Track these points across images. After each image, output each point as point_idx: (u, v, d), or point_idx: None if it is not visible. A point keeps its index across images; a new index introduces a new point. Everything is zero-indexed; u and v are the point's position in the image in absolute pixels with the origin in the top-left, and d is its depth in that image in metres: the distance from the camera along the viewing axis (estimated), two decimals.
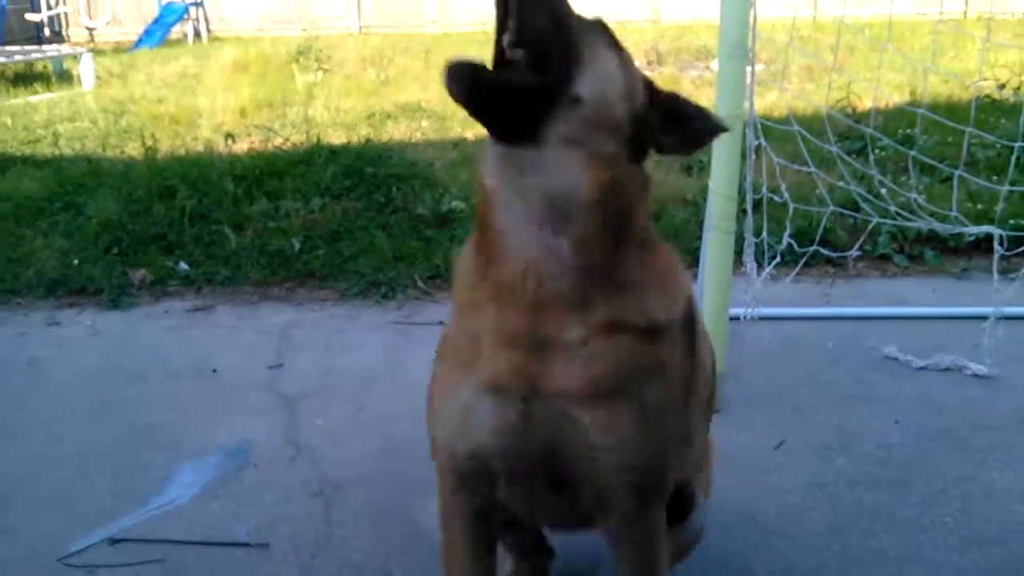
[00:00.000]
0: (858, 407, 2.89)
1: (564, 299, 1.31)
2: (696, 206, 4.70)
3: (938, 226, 3.35)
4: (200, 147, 6.43)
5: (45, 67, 11.51)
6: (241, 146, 6.40)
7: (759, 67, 6.55)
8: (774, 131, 3.34)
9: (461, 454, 1.46)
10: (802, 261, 3.51)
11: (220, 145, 6.43)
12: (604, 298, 1.33)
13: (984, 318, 3.07)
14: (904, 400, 2.93)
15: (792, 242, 3.20)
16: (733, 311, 2.95)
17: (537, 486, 1.45)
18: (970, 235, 3.43)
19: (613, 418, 1.36)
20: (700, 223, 3.97)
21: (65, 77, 10.98)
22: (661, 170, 5.73)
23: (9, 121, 7.77)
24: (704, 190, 3.30)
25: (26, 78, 10.84)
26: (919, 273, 4.05)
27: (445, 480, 1.56)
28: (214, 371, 3.24)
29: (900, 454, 2.61)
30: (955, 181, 3.26)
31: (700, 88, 9.06)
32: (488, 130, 1.38)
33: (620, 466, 1.39)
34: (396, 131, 7.22)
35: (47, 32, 17.85)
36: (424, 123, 7.56)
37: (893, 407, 2.88)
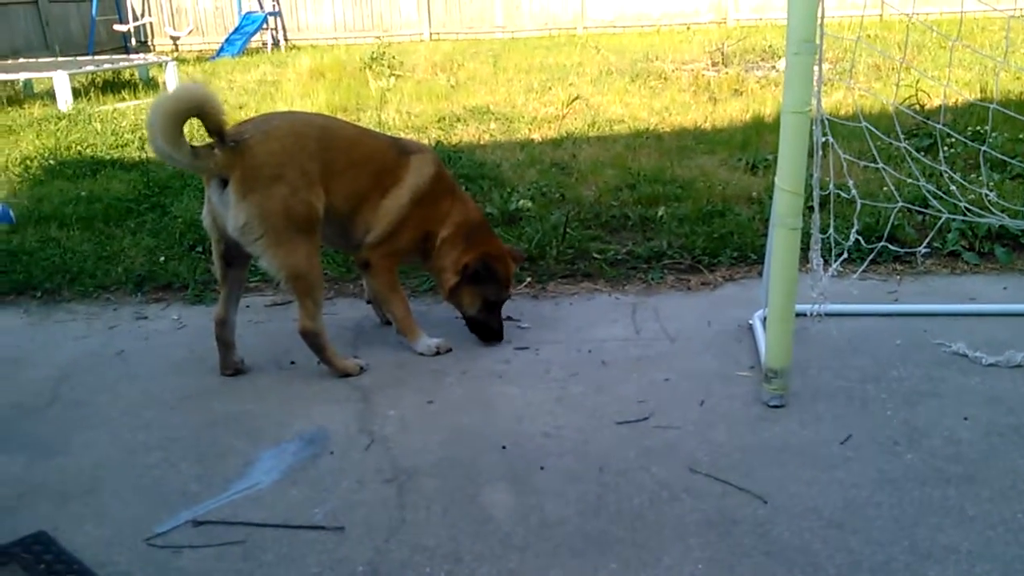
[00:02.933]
0: (926, 403, 2.87)
1: None
2: (761, 204, 4.69)
3: (1009, 222, 3.30)
4: None
5: (132, 75, 11.96)
6: None
7: (826, 66, 6.48)
8: (841, 128, 3.33)
9: None
10: (869, 258, 3.49)
11: None
12: None
13: None
14: (973, 396, 2.89)
15: (860, 238, 3.19)
16: (800, 307, 2.95)
17: None
18: None
19: None
20: (765, 221, 3.98)
21: (151, 84, 11.42)
22: (726, 169, 5.73)
23: (99, 126, 8.13)
24: (769, 188, 3.32)
25: (114, 85, 11.30)
26: (989, 270, 3.97)
27: None
28: (292, 363, 3.38)
29: (969, 450, 2.59)
30: None
31: (765, 88, 8.99)
32: None
33: None
34: (465, 133, 7.35)
35: (133, 42, 18.56)
36: (492, 125, 7.67)
37: (962, 403, 2.85)
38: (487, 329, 3.50)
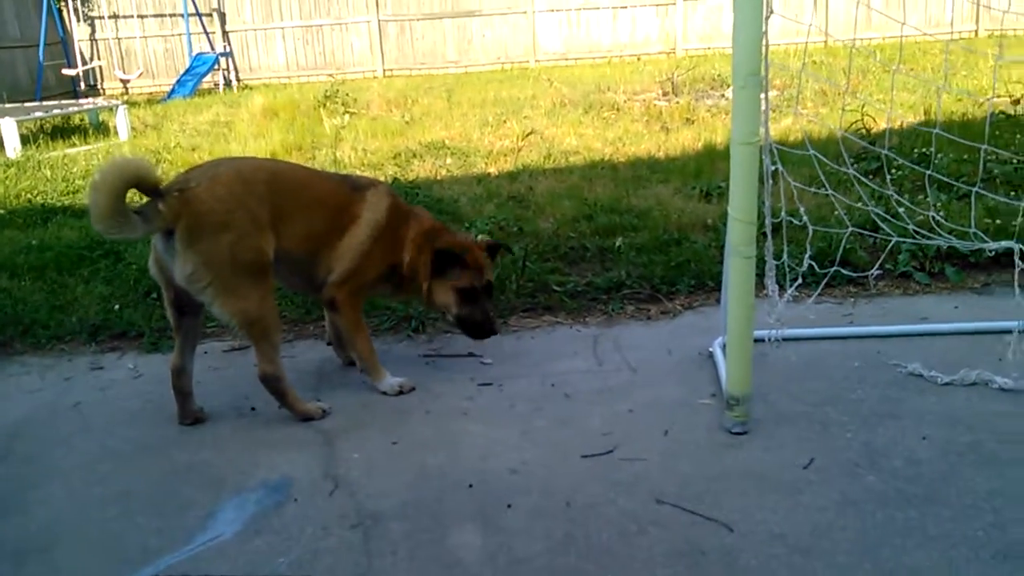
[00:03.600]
0: (885, 424, 2.91)
1: None
2: (716, 231, 4.76)
3: (957, 243, 3.38)
4: None
5: (82, 120, 11.84)
6: None
7: (773, 93, 6.62)
8: (791, 155, 3.40)
9: None
10: (823, 282, 3.55)
11: None
12: None
13: (1007, 332, 3.09)
14: (931, 416, 2.95)
15: (813, 263, 3.25)
16: (758, 333, 2.99)
17: None
18: (990, 250, 3.46)
19: None
20: (721, 248, 4.03)
21: (102, 129, 11.29)
22: (681, 197, 5.81)
23: (49, 173, 8.03)
24: (723, 215, 3.37)
25: (64, 131, 11.17)
26: (941, 290, 4.06)
27: None
28: (253, 409, 3.33)
29: (929, 470, 2.63)
30: (973, 198, 3.30)
31: (716, 116, 9.15)
32: None
33: None
34: (422, 169, 7.37)
35: (83, 86, 18.36)
36: (448, 160, 7.70)
37: (920, 423, 2.90)
38: (472, 324, 3.47)
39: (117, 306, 4.36)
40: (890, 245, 3.53)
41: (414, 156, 7.93)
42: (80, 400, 3.51)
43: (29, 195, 7.01)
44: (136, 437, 3.17)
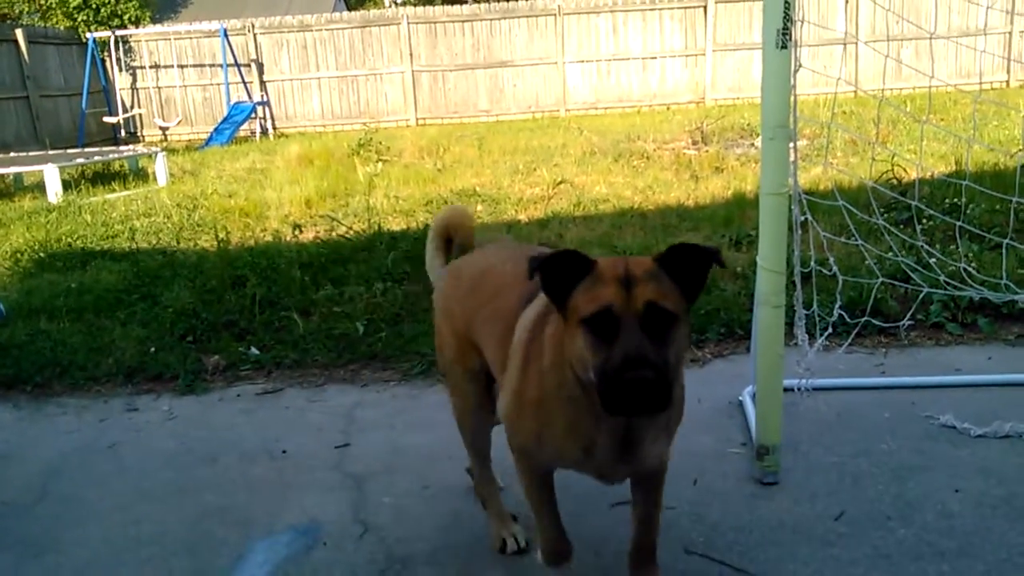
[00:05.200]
0: (917, 477, 2.88)
1: None
2: (746, 279, 4.76)
3: (990, 294, 3.36)
4: (268, 237, 6.74)
5: (122, 166, 12.12)
6: (307, 235, 6.69)
7: (802, 143, 6.65)
8: (820, 205, 3.42)
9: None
10: (854, 332, 3.54)
11: (287, 235, 6.73)
12: None
13: None
14: (964, 469, 2.91)
15: (843, 313, 3.24)
16: (788, 382, 2.99)
17: None
18: (1022, 301, 3.43)
19: None
20: (750, 296, 4.04)
21: (141, 175, 11.56)
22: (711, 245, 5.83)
23: (89, 218, 8.22)
24: (753, 264, 3.38)
25: (104, 177, 11.45)
26: (973, 341, 4.02)
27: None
28: (284, 452, 3.37)
29: (962, 523, 2.60)
30: (1005, 249, 3.29)
31: (745, 165, 9.19)
32: None
33: None
34: None
35: (123, 133, 18.84)
36: (479, 207, 7.79)
37: (953, 476, 2.87)
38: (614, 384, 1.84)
39: (153, 348, 4.44)
40: (921, 296, 3.52)
41: (445, 203, 8.02)
42: (115, 441, 3.57)
43: (69, 239, 7.18)
44: (170, 479, 3.21)
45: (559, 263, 1.94)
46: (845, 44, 17.71)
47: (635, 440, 2.04)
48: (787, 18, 2.65)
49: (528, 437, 2.17)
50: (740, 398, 3.51)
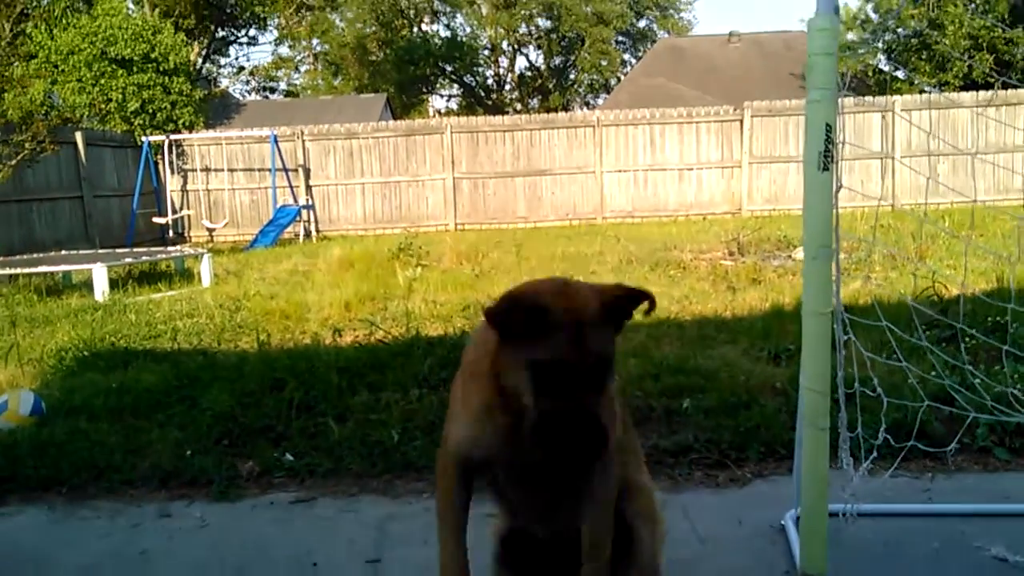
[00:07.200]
0: None
1: None
2: (787, 395, 4.69)
3: None
4: (308, 340, 6.81)
5: (168, 266, 12.42)
6: (346, 339, 6.75)
7: (841, 256, 6.64)
8: (858, 323, 3.39)
9: None
10: (900, 456, 3.45)
11: (327, 338, 6.79)
12: None
13: None
14: None
15: (888, 437, 3.17)
16: (833, 507, 2.90)
17: None
18: None
19: None
20: (791, 413, 3.97)
21: (186, 275, 11.83)
22: (749, 359, 5.78)
23: (134, 317, 8.39)
24: (792, 379, 3.35)
25: (151, 276, 11.73)
26: (1022, 467, 3.89)
27: None
28: (314, 565, 3.31)
29: None
30: None
31: (783, 277, 9.20)
32: None
33: None
34: None
35: (171, 233, 19.40)
36: None
37: None
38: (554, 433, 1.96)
39: (189, 452, 4.44)
40: (968, 420, 3.44)
41: (482, 309, 8.07)
42: (147, 548, 3.54)
43: (113, 338, 7.31)
44: None
45: (512, 314, 2.01)
46: (883, 158, 17.88)
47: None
48: (828, 140, 2.69)
49: (448, 424, 2.28)
50: (782, 522, 3.41)
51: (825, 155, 2.70)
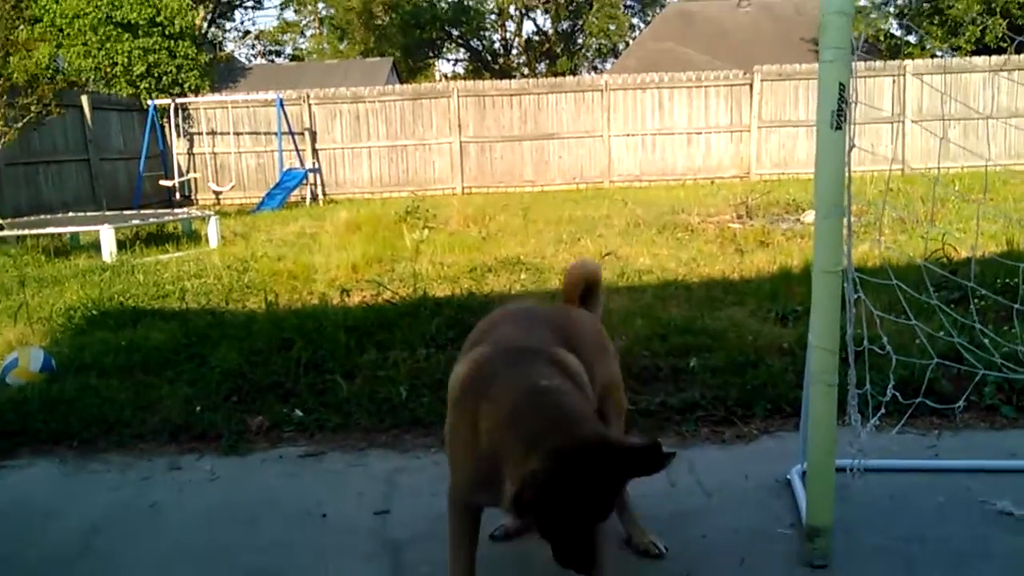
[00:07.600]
0: (974, 565, 2.77)
1: None
2: (793, 355, 4.69)
3: None
4: (315, 301, 6.82)
5: (175, 228, 12.44)
6: (353, 300, 6.75)
7: (851, 219, 6.59)
8: (869, 283, 3.37)
9: None
10: (907, 413, 3.45)
11: (334, 299, 6.80)
12: None
13: None
14: (1022, 558, 2.80)
15: (896, 394, 3.17)
16: (839, 462, 2.91)
17: None
18: None
19: None
20: (798, 372, 3.98)
21: (193, 237, 11.84)
22: (756, 320, 5.77)
23: (141, 278, 8.41)
24: (800, 339, 3.34)
25: (158, 238, 11.75)
26: None
27: None
28: (324, 516, 3.35)
29: None
30: None
31: (791, 240, 9.16)
32: None
33: None
34: (496, 284, 7.50)
35: (178, 196, 19.39)
36: (522, 276, 7.83)
37: (1012, 565, 2.75)
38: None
39: (198, 408, 4.48)
40: (976, 378, 3.43)
41: (489, 271, 8.09)
42: (158, 500, 3.57)
43: (121, 298, 7.33)
44: (209, 539, 3.20)
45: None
46: (892, 122, 17.71)
47: None
48: (842, 99, 2.66)
49: (451, 464, 2.47)
50: (788, 477, 3.43)
51: (838, 114, 2.67)
